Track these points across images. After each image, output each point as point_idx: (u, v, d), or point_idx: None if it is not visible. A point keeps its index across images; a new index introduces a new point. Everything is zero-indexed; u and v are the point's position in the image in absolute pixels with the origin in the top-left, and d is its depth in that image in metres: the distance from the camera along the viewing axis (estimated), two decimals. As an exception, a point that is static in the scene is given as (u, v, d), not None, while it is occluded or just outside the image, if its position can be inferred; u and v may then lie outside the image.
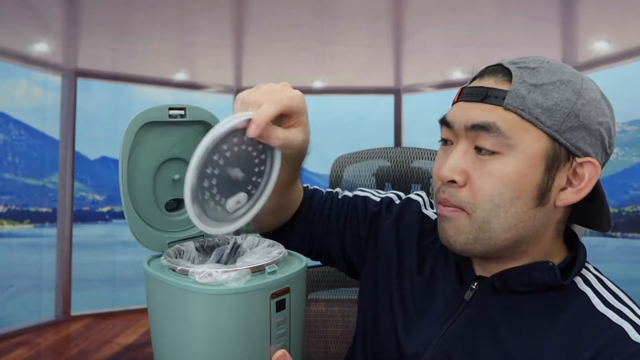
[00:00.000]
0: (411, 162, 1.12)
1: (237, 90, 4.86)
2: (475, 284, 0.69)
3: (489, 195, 0.61)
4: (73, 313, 4.17)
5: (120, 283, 5.28)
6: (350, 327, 1.13)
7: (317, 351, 1.14)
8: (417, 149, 1.14)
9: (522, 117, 0.61)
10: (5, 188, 4.57)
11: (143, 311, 4.42)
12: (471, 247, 0.64)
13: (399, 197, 0.87)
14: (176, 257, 0.64)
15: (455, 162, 0.63)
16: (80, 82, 4.29)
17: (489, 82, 0.64)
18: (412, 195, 0.87)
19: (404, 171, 1.12)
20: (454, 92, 0.72)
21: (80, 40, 3.97)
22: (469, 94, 0.65)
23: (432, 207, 0.86)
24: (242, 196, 0.62)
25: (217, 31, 3.70)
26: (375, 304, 0.79)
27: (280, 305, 0.58)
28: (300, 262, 0.63)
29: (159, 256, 0.65)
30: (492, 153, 0.61)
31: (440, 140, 0.69)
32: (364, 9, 3.28)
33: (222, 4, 3.21)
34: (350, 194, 0.88)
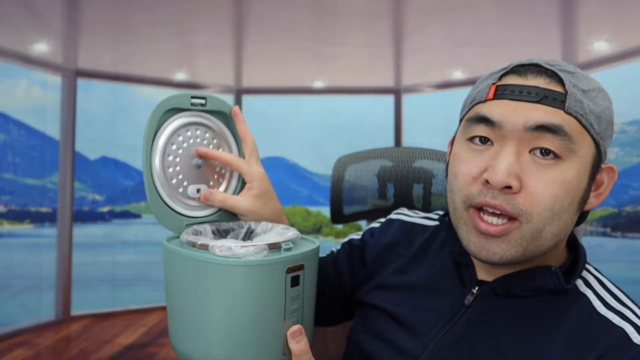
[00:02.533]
0: (413, 162, 1.12)
1: (237, 90, 4.86)
2: (477, 288, 0.67)
3: (551, 202, 0.58)
4: (73, 313, 4.17)
5: (120, 283, 5.29)
6: (350, 327, 1.13)
7: (317, 351, 1.14)
8: (419, 148, 1.13)
9: (581, 123, 0.59)
10: (5, 188, 4.57)
11: (143, 311, 4.42)
12: (517, 260, 0.61)
13: (381, 222, 0.87)
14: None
15: (511, 166, 0.58)
16: (80, 82, 4.29)
17: (539, 82, 0.60)
18: (392, 216, 0.86)
19: (406, 171, 1.12)
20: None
21: (80, 40, 3.97)
22: (520, 92, 0.60)
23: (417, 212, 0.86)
24: (203, 187, 0.72)
25: (217, 31, 3.69)
26: (368, 313, 0.78)
27: (295, 281, 0.61)
28: (313, 243, 0.66)
29: (177, 237, 0.68)
30: (554, 157, 0.59)
31: (473, 138, 0.63)
32: (364, 9, 3.28)
33: (222, 4, 3.21)
34: (338, 247, 0.89)
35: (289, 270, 0.60)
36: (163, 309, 4.44)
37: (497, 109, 0.61)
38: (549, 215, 0.59)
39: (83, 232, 5.03)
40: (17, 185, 4.71)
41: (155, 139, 0.67)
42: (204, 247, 0.60)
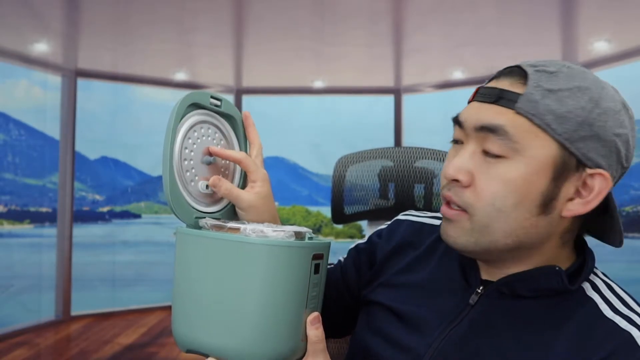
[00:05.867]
0: (414, 162, 1.11)
1: (237, 90, 4.86)
2: (481, 287, 0.68)
3: (491, 198, 0.61)
4: (73, 313, 4.17)
5: (120, 283, 5.29)
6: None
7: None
8: (421, 148, 1.13)
9: (533, 122, 0.59)
10: (5, 188, 4.58)
11: (143, 311, 4.42)
12: (472, 249, 0.64)
13: (387, 224, 0.88)
14: None
15: (461, 162, 0.63)
16: (80, 82, 4.29)
17: (504, 84, 0.63)
18: (400, 217, 0.87)
19: (407, 171, 1.11)
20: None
21: (80, 40, 3.97)
22: (483, 94, 0.64)
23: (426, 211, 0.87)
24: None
25: (217, 31, 3.70)
26: (372, 311, 0.78)
27: (317, 269, 0.63)
28: (325, 240, 0.69)
29: (186, 227, 0.69)
30: (498, 156, 0.61)
31: (452, 140, 0.68)
32: (364, 9, 3.28)
33: (222, 4, 3.21)
34: (345, 256, 0.90)
35: (314, 257, 0.62)
36: (163, 309, 4.44)
37: (465, 111, 0.65)
38: (492, 211, 0.61)
39: (83, 232, 5.03)
40: (17, 185, 4.71)
41: (176, 129, 0.69)
42: (235, 230, 0.61)
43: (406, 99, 4.88)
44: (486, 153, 0.62)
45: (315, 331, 0.62)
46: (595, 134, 0.59)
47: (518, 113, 0.60)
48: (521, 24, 3.46)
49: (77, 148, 4.26)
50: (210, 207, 0.74)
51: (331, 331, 0.89)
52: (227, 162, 0.77)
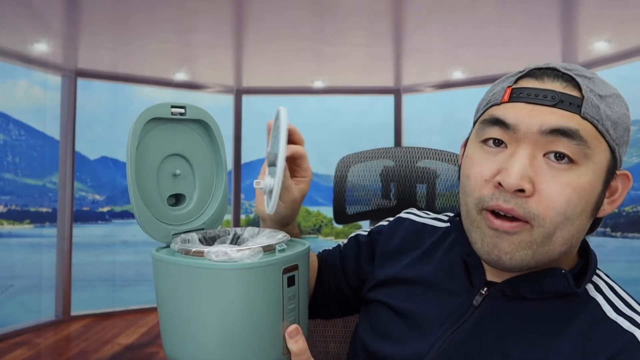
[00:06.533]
0: (416, 162, 1.11)
1: (237, 90, 4.86)
2: (485, 289, 0.67)
3: (564, 207, 0.58)
4: (73, 313, 4.17)
5: (120, 283, 5.29)
6: (350, 326, 1.13)
7: (317, 351, 1.14)
8: (423, 148, 1.13)
9: (597, 128, 0.59)
10: (5, 188, 4.57)
11: (143, 311, 4.42)
12: (526, 263, 0.60)
13: (389, 221, 0.88)
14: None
15: (524, 169, 0.58)
16: (80, 82, 4.29)
17: (555, 86, 0.60)
18: (402, 215, 0.86)
19: (409, 171, 1.11)
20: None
21: (80, 40, 3.97)
22: (536, 95, 0.60)
23: (427, 212, 0.86)
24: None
25: (217, 31, 3.70)
26: (373, 310, 0.78)
27: (291, 281, 0.62)
28: (303, 245, 0.68)
29: (164, 248, 0.67)
30: (570, 161, 0.58)
31: (487, 140, 0.62)
32: (364, 9, 3.28)
33: (222, 4, 3.21)
34: (345, 242, 0.90)
35: (285, 271, 0.61)
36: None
37: (512, 112, 0.60)
38: (561, 220, 0.58)
39: (83, 232, 5.03)
40: (17, 185, 4.71)
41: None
42: (199, 254, 0.60)
43: (406, 99, 4.88)
44: (549, 158, 0.59)
45: (295, 344, 0.61)
46: (629, 138, 0.62)
47: (584, 118, 0.58)
48: (521, 24, 3.46)
49: (77, 148, 4.26)
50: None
51: (328, 314, 0.90)
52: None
